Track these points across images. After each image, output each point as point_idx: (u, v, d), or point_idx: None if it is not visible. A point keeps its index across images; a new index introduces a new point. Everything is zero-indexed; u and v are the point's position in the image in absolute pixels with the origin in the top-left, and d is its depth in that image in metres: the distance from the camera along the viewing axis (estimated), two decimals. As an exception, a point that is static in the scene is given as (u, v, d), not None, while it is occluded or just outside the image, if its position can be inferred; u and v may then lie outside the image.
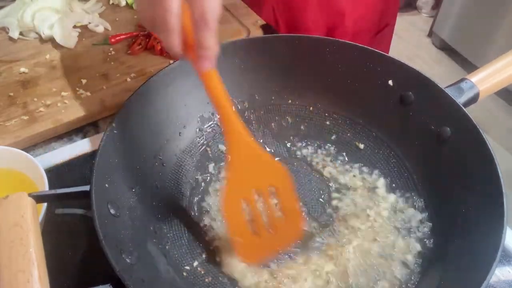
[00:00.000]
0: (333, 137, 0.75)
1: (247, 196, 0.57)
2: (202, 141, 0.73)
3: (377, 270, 0.59)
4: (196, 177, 0.70)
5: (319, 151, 0.74)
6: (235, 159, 0.55)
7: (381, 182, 0.69)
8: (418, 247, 0.61)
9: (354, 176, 0.70)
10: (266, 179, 0.57)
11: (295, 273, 0.59)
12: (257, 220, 0.58)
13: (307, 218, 0.65)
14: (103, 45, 0.92)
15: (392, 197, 0.67)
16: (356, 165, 0.72)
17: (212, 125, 0.75)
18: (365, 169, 0.71)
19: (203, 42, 0.48)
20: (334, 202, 0.67)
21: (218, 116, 0.54)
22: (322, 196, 0.68)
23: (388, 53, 1.18)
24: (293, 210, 0.59)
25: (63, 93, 0.82)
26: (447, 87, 0.67)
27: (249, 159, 0.55)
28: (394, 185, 0.69)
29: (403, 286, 0.58)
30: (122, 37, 0.93)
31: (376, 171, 0.70)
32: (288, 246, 0.61)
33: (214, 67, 0.51)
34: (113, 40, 0.92)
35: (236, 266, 0.59)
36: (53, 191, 0.53)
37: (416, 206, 0.66)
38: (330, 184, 0.69)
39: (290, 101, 0.77)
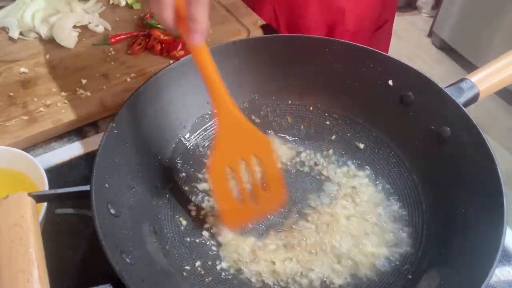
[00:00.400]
0: (333, 137, 0.75)
1: (232, 164, 0.60)
2: (201, 141, 0.73)
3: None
4: (196, 177, 0.70)
5: (318, 151, 0.74)
6: (222, 128, 0.58)
7: (381, 184, 0.69)
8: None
9: (353, 177, 0.70)
10: (250, 148, 0.60)
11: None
12: (241, 187, 0.61)
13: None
14: (103, 45, 0.92)
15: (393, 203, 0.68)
16: (356, 166, 0.72)
17: (212, 125, 0.75)
18: (363, 169, 0.71)
19: (194, 15, 0.50)
20: (331, 204, 0.67)
21: (207, 88, 0.57)
22: (320, 197, 0.68)
23: (387, 51, 1.18)
24: (275, 179, 0.63)
25: (63, 93, 0.82)
26: (447, 87, 0.67)
27: (234, 128, 0.59)
28: (393, 185, 0.69)
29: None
30: (122, 37, 0.93)
31: (376, 172, 0.71)
32: (270, 213, 0.65)
33: (204, 41, 0.54)
34: (113, 40, 0.92)
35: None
36: (53, 191, 0.53)
37: (416, 206, 0.66)
38: (328, 185, 0.69)
39: (290, 101, 0.77)
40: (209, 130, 0.74)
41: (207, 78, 0.56)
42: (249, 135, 0.60)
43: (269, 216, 0.65)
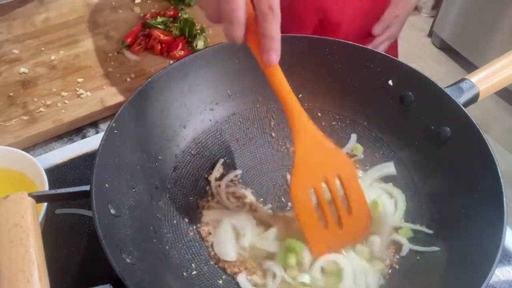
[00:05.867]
0: (333, 137, 0.75)
1: (315, 186, 0.57)
2: (202, 141, 0.73)
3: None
4: (196, 177, 0.70)
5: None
6: (302, 150, 0.56)
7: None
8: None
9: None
10: (332, 169, 0.57)
11: None
12: (325, 210, 0.58)
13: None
14: (124, 48, 0.91)
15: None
16: (356, 167, 0.72)
17: (212, 125, 0.75)
18: (364, 169, 0.71)
19: (270, 32, 0.47)
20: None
21: (283, 107, 0.55)
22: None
23: (397, 56, 1.18)
24: (359, 202, 0.59)
25: (63, 93, 0.82)
26: (447, 87, 0.67)
27: (315, 150, 0.56)
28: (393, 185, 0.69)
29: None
30: (133, 35, 0.93)
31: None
32: (356, 241, 0.61)
33: (278, 59, 0.50)
34: (128, 40, 0.92)
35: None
36: (53, 191, 0.53)
37: (416, 206, 0.66)
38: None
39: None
40: (210, 130, 0.74)
41: (282, 98, 0.54)
42: (329, 155, 0.57)
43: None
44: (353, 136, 0.73)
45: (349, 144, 0.73)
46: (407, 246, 0.61)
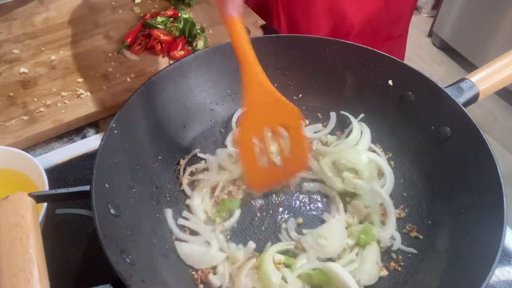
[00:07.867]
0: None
1: (259, 133, 0.61)
2: (202, 141, 0.73)
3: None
4: (196, 177, 0.70)
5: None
6: (250, 96, 0.59)
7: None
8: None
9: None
10: (278, 117, 0.61)
11: None
12: (268, 154, 0.63)
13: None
14: (124, 48, 0.91)
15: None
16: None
17: (212, 125, 0.75)
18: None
19: None
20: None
21: (238, 58, 0.58)
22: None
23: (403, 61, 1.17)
24: (300, 147, 0.64)
25: (63, 93, 0.82)
26: (447, 87, 0.67)
27: (263, 97, 0.59)
28: (393, 185, 0.69)
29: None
30: (133, 35, 0.93)
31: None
32: (291, 179, 0.68)
33: (238, 13, 0.55)
34: (128, 40, 0.91)
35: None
36: (53, 191, 0.53)
37: (416, 206, 0.66)
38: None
39: (290, 101, 0.77)
40: (210, 130, 0.74)
41: (238, 48, 0.56)
42: (276, 104, 0.60)
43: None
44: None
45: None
46: (398, 241, 0.62)
